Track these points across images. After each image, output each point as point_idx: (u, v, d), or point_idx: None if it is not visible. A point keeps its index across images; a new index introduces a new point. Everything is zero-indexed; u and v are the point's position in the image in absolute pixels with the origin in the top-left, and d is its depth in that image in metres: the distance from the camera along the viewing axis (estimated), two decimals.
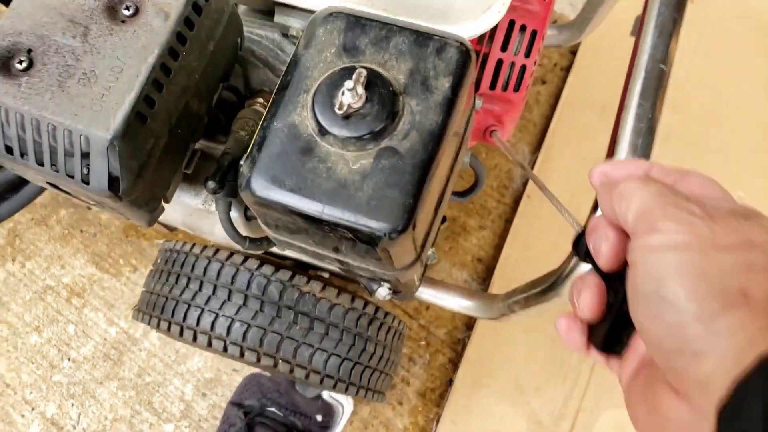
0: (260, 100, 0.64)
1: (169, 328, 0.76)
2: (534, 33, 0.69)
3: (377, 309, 0.80)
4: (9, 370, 1.13)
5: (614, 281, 0.35)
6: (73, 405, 1.11)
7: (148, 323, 0.79)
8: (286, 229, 0.51)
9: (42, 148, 0.49)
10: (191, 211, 0.66)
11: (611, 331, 0.36)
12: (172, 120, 0.51)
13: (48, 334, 1.15)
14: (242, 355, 0.73)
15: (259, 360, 0.73)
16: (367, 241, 0.45)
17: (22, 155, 0.50)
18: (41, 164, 0.49)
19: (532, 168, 1.18)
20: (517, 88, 0.72)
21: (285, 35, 0.66)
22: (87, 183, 0.49)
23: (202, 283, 0.75)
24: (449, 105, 0.47)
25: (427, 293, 0.91)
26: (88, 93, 0.48)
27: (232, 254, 0.76)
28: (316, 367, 0.74)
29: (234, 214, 0.62)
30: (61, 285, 1.17)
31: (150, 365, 1.12)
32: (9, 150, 0.49)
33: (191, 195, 0.65)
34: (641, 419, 0.33)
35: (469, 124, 0.57)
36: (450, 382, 1.08)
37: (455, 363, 1.09)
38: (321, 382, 0.76)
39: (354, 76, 0.44)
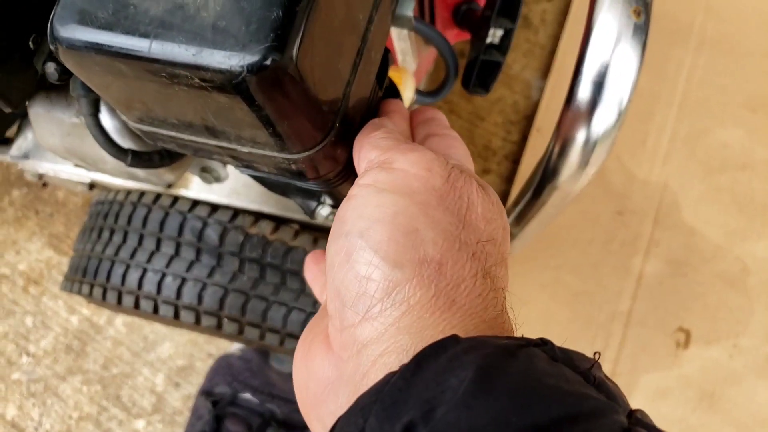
0: None
1: (91, 293, 0.62)
2: None
3: None
4: None
5: None
6: (34, 405, 0.98)
7: (78, 292, 0.65)
8: (131, 105, 0.35)
9: None
10: (68, 129, 0.51)
11: None
12: None
13: (4, 328, 1.03)
14: (176, 316, 0.59)
15: (197, 321, 0.59)
16: (222, 88, 0.29)
17: None
18: None
19: (540, 99, 1.00)
20: None
21: None
22: None
23: (125, 233, 0.61)
24: None
25: None
26: None
27: (159, 195, 0.61)
28: (273, 324, 0.59)
29: (112, 123, 0.47)
30: (16, 273, 1.05)
31: (116, 355, 0.99)
32: None
33: (63, 106, 0.50)
34: (295, 366, 0.31)
35: None
36: None
37: None
38: (281, 343, 0.61)
39: None
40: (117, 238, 0.62)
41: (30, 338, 1.02)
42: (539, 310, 0.90)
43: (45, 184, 1.09)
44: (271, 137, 0.34)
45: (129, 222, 0.62)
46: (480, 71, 0.59)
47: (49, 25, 0.32)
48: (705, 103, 0.95)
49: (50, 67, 0.40)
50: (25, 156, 0.86)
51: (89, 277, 0.63)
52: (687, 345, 0.87)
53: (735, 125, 0.93)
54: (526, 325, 0.85)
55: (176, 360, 0.97)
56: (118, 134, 0.47)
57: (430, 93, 0.58)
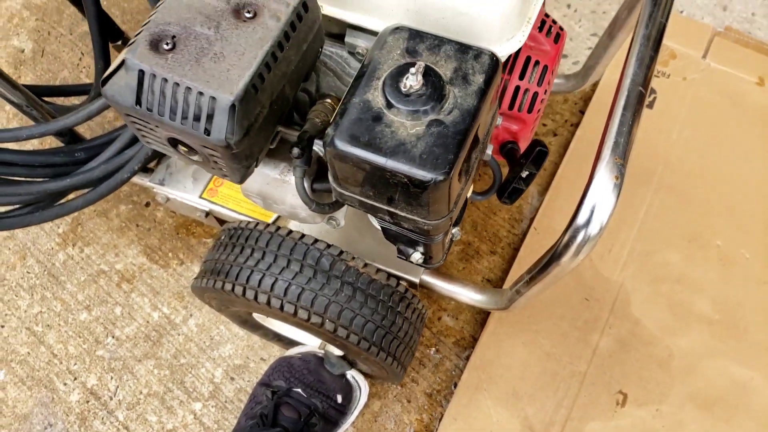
0: (328, 100, 0.81)
1: (233, 289, 0.89)
2: (545, 67, 0.87)
3: (407, 289, 0.94)
4: (57, 342, 1.26)
5: None
6: (112, 378, 1.23)
7: (212, 286, 0.92)
8: (352, 182, 0.66)
9: (177, 105, 0.65)
10: (269, 180, 0.82)
11: None
12: (273, 96, 0.68)
13: (96, 313, 1.28)
14: (295, 313, 0.87)
15: (309, 319, 0.87)
16: (417, 185, 0.61)
17: (159, 113, 0.66)
18: (175, 118, 0.66)
19: (539, 207, 1.34)
20: (530, 111, 0.89)
21: (351, 53, 0.84)
22: (209, 135, 0.65)
23: (264, 253, 0.90)
24: (482, 94, 0.63)
25: (446, 287, 1.05)
26: (218, 68, 0.65)
27: (290, 231, 0.91)
28: (355, 329, 0.88)
29: (305, 185, 0.78)
30: (113, 270, 1.32)
31: (186, 348, 1.24)
32: (141, 104, 0.66)
33: (270, 167, 0.81)
34: None
35: (493, 119, 0.73)
36: (455, 386, 1.19)
37: (461, 369, 1.21)
38: (357, 343, 0.89)
39: (415, 67, 0.61)
40: (257, 255, 0.91)
41: (117, 324, 1.27)
42: (519, 361, 1.19)
43: (147, 204, 1.38)
44: (424, 210, 0.65)
45: (267, 245, 0.91)
46: (510, 191, 0.92)
47: (328, 137, 0.63)
48: (656, 230, 1.29)
49: (295, 151, 0.71)
50: (161, 183, 1.16)
51: (230, 278, 0.91)
52: (624, 404, 1.17)
53: (676, 250, 1.28)
54: (508, 373, 1.18)
55: (234, 359, 1.23)
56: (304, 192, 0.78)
57: (480, 194, 0.90)
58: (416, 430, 1.17)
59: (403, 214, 0.68)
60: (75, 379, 1.23)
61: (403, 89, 0.62)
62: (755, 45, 1.46)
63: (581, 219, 0.71)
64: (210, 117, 0.64)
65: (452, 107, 0.63)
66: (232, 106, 0.63)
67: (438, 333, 1.24)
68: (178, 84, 0.65)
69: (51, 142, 1.44)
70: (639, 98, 0.72)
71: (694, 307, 1.24)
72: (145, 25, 0.68)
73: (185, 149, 0.72)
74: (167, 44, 0.66)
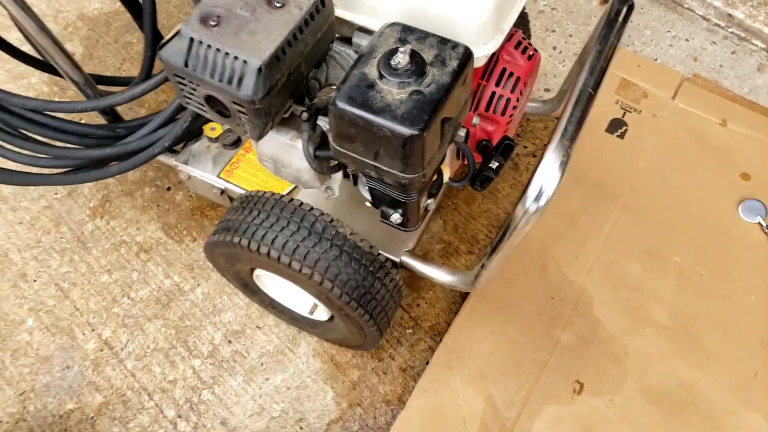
0: (333, 86, 0.99)
1: (240, 242, 1.05)
2: (518, 78, 1.05)
3: (387, 259, 1.09)
4: (80, 298, 1.41)
5: None
6: (124, 332, 1.37)
7: (224, 239, 1.08)
8: (347, 139, 0.83)
9: (216, 67, 0.83)
10: (280, 144, 0.99)
11: None
12: (290, 68, 0.86)
13: (116, 276, 1.44)
14: (290, 264, 1.02)
15: (300, 270, 1.02)
16: (398, 138, 0.77)
17: (201, 72, 0.84)
18: (214, 77, 0.83)
19: None
20: (503, 114, 1.06)
21: (356, 51, 1.02)
22: (239, 91, 0.82)
23: (269, 214, 1.06)
24: (455, 75, 0.81)
25: (423, 268, 1.20)
26: (251, 40, 0.83)
27: (291, 199, 1.07)
28: (339, 283, 1.03)
29: (309, 150, 0.95)
30: (134, 242, 1.48)
31: (191, 313, 1.39)
32: (188, 65, 0.84)
33: (282, 134, 0.98)
34: None
35: (466, 103, 0.91)
36: (427, 364, 1.32)
37: (433, 350, 1.34)
38: (340, 296, 1.03)
39: (404, 49, 0.79)
40: (262, 216, 1.07)
41: (132, 287, 1.42)
42: (487, 347, 1.32)
43: (168, 188, 1.55)
44: (403, 163, 0.82)
45: (271, 208, 1.07)
46: (481, 180, 1.09)
47: (332, 98, 0.80)
48: (620, 244, 1.45)
49: (304, 114, 0.88)
50: (185, 162, 1.34)
51: (239, 233, 1.06)
52: (580, 393, 1.29)
53: (637, 262, 1.42)
54: (476, 356, 1.34)
55: (233, 325, 1.37)
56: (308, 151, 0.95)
57: (455, 181, 1.07)
58: (389, 400, 1.29)
59: (385, 168, 0.84)
60: (92, 330, 1.37)
61: (392, 64, 0.79)
62: (720, 91, 1.65)
63: (532, 191, 0.87)
64: (241, 78, 0.82)
65: (430, 82, 0.80)
66: (260, 69, 0.81)
67: (416, 317, 1.38)
68: (219, 50, 0.83)
69: (95, 120, 1.62)
70: (588, 97, 0.89)
71: (650, 313, 1.37)
72: (196, 5, 0.86)
73: (217, 106, 0.89)
74: (213, 21, 0.85)
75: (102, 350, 1.35)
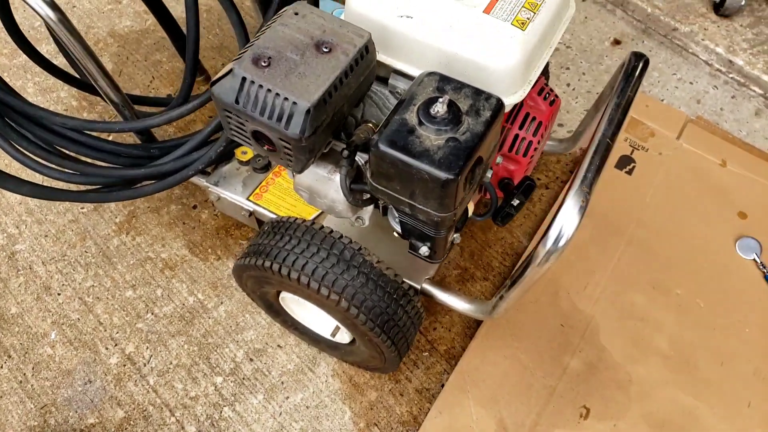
0: (370, 124, 1.06)
1: (271, 266, 1.11)
2: (540, 123, 1.12)
3: (410, 287, 1.15)
4: (104, 312, 1.46)
5: None
6: (147, 348, 1.42)
7: (254, 263, 1.14)
8: (386, 177, 0.89)
9: (267, 106, 0.89)
10: (318, 177, 1.05)
11: None
12: (335, 109, 0.93)
13: (140, 292, 1.48)
14: (318, 290, 1.08)
15: (328, 296, 1.08)
16: (434, 181, 0.84)
17: (252, 110, 0.90)
18: (264, 115, 0.90)
19: (527, 247, 1.56)
20: (525, 155, 1.13)
21: (391, 92, 1.09)
22: (287, 129, 0.89)
23: (300, 240, 1.12)
24: (488, 124, 0.88)
25: (443, 296, 1.26)
26: (300, 83, 0.89)
27: (322, 226, 1.13)
28: (365, 310, 1.08)
29: (346, 184, 1.01)
30: (159, 258, 1.53)
31: (214, 330, 1.44)
32: (239, 102, 0.90)
33: (321, 167, 1.05)
34: None
35: (494, 149, 0.97)
36: (442, 386, 1.38)
37: (448, 373, 1.40)
38: (365, 323, 1.09)
39: (442, 99, 0.86)
40: (294, 241, 1.12)
41: (156, 303, 1.47)
42: (500, 372, 1.38)
43: (195, 207, 1.61)
44: (437, 203, 0.88)
45: (302, 234, 1.13)
46: (502, 216, 1.15)
47: (374, 141, 0.87)
48: (626, 276, 1.51)
49: (345, 152, 0.94)
50: (215, 184, 1.40)
51: (270, 258, 1.12)
52: (586, 417, 1.35)
53: (641, 293, 1.49)
54: (490, 380, 1.40)
55: (255, 344, 1.42)
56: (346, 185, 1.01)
57: (480, 215, 1.13)
58: (405, 421, 1.34)
59: (420, 206, 0.90)
60: (116, 345, 1.42)
61: (432, 113, 0.86)
62: (721, 134, 1.73)
63: (553, 232, 0.93)
64: (290, 117, 0.88)
65: (466, 130, 0.87)
66: (308, 110, 0.88)
67: (432, 341, 1.44)
68: (270, 90, 0.89)
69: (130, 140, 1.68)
70: (606, 147, 0.96)
71: (653, 342, 1.44)
72: (249, 46, 0.93)
73: (263, 141, 0.95)
74: (264, 62, 0.91)
75: (125, 365, 1.40)
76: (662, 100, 1.80)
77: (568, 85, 1.81)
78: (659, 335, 1.45)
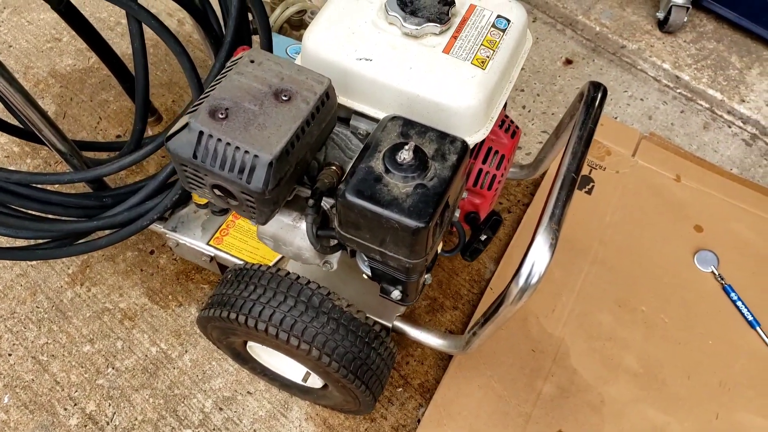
0: (333, 167, 1.03)
1: (237, 318, 1.07)
2: (503, 156, 1.12)
3: (382, 329, 1.13)
4: (61, 371, 1.38)
5: None
6: (110, 405, 1.35)
7: (219, 315, 1.10)
8: (354, 226, 0.87)
9: (227, 160, 0.86)
10: (283, 225, 1.02)
11: None
12: (298, 158, 0.90)
13: (99, 346, 1.42)
14: (288, 340, 1.05)
15: (298, 346, 1.05)
16: (405, 230, 0.82)
17: (211, 165, 0.87)
18: (224, 169, 0.86)
19: (495, 271, 1.56)
20: (489, 188, 1.13)
21: (353, 133, 1.07)
22: (249, 183, 0.86)
23: (265, 289, 1.09)
24: (454, 169, 0.87)
25: (414, 333, 1.24)
26: (261, 134, 0.86)
27: (288, 272, 1.10)
28: (336, 357, 1.06)
29: (311, 230, 0.99)
30: (117, 309, 1.47)
31: (180, 381, 1.38)
32: (197, 157, 0.87)
33: (285, 215, 1.02)
34: None
35: (461, 190, 0.96)
36: (418, 421, 1.36)
37: (424, 408, 1.38)
38: (337, 370, 1.06)
39: (408, 146, 0.85)
40: (259, 290, 1.09)
41: (117, 357, 1.41)
42: (475, 402, 1.37)
43: (152, 252, 1.55)
44: (408, 250, 0.87)
45: (267, 282, 1.09)
46: (471, 251, 1.15)
47: (340, 191, 0.85)
48: (592, 296, 1.53)
49: (311, 201, 0.92)
50: (173, 230, 1.35)
51: (235, 308, 1.08)
52: None
53: (608, 313, 1.51)
54: (465, 411, 1.39)
55: (224, 392, 1.38)
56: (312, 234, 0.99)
57: (448, 251, 1.12)
58: None
59: (390, 253, 0.89)
60: (75, 404, 1.35)
61: (398, 160, 0.85)
62: (673, 149, 1.78)
63: (524, 270, 0.93)
64: (252, 170, 0.86)
65: (433, 176, 0.86)
66: (270, 163, 0.85)
67: (405, 375, 1.42)
68: (229, 144, 0.86)
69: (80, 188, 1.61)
70: (572, 182, 0.96)
71: (622, 361, 1.45)
72: (204, 98, 0.90)
73: (224, 194, 0.92)
74: (222, 114, 0.88)
75: (86, 425, 1.33)
76: (616, 118, 1.84)
77: (524, 107, 1.83)
78: (627, 354, 1.46)
